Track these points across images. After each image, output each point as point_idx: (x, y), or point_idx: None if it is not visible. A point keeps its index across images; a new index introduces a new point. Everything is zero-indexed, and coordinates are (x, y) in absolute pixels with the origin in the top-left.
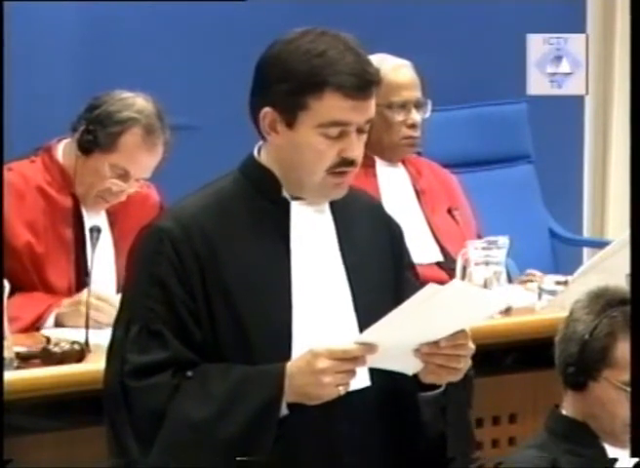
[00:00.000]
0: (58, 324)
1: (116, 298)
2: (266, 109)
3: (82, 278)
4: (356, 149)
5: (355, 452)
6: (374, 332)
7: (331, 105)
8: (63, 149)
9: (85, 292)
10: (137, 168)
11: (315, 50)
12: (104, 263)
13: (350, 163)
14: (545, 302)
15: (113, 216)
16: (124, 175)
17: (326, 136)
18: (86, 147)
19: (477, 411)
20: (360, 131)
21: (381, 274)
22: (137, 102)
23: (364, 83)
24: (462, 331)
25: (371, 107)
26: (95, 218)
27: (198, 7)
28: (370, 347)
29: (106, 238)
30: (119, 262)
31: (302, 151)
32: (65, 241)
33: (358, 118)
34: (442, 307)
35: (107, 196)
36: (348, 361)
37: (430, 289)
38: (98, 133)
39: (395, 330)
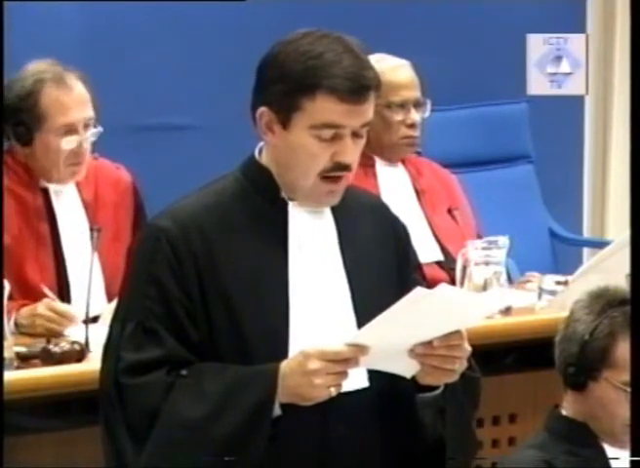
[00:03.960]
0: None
1: (72, 311)
2: (263, 109)
3: (62, 271)
4: (350, 154)
5: (352, 454)
6: (366, 334)
7: (323, 107)
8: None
9: (44, 302)
10: (71, 114)
11: (312, 51)
12: (84, 255)
13: (344, 167)
14: (545, 302)
15: (89, 208)
16: (69, 130)
17: (319, 138)
18: (26, 138)
19: (477, 411)
20: (356, 135)
21: (384, 275)
22: (30, 69)
23: (359, 87)
24: (457, 333)
25: (367, 112)
26: (69, 211)
27: (198, 7)
28: (362, 348)
29: (84, 230)
30: (99, 253)
31: (296, 152)
32: (42, 237)
33: (352, 122)
34: (432, 310)
35: (73, 158)
36: (340, 362)
37: (418, 292)
38: (23, 118)
39: (387, 331)
